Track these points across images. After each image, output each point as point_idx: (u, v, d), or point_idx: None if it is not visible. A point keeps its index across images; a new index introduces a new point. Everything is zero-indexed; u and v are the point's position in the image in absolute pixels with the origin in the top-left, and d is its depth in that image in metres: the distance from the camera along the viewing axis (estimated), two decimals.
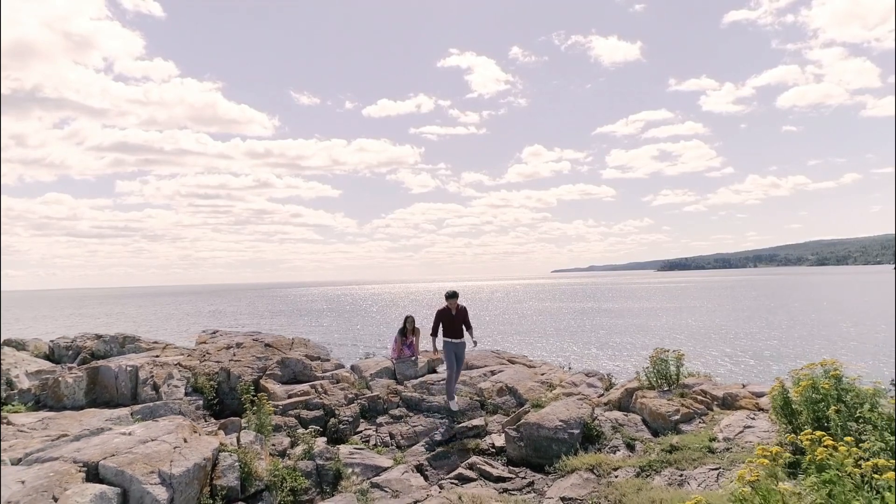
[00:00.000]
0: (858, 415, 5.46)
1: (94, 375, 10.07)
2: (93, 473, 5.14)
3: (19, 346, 14.77)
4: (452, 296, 9.65)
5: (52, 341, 14.91)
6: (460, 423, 8.66)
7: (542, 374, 10.46)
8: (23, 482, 4.86)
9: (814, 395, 5.82)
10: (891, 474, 3.09)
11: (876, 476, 3.21)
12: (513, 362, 11.19)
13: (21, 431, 7.44)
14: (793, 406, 6.06)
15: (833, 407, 5.56)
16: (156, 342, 14.13)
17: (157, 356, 12.01)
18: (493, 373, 10.53)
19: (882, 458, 5.01)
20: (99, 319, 73.17)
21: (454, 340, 9.49)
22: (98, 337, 14.47)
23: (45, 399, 10.11)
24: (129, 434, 5.83)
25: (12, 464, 5.89)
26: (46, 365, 12.83)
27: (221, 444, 5.87)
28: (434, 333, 9.79)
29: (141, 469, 5.13)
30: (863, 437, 5.19)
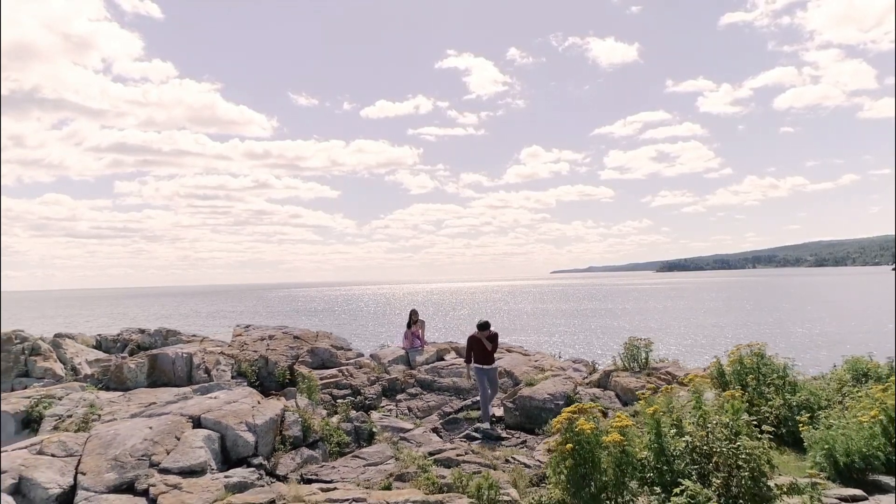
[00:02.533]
0: (769, 381, 7.25)
1: (154, 361, 11.81)
2: (196, 423, 6.90)
3: (70, 338, 16.49)
4: (483, 327, 9.68)
5: (98, 335, 16.67)
6: (467, 399, 10.43)
7: (536, 361, 12.23)
8: (150, 427, 6.63)
9: (739, 368, 7.60)
10: (728, 393, 4.87)
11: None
12: (510, 351, 12.97)
13: (112, 402, 9.20)
14: (725, 377, 7.83)
15: (751, 376, 7.34)
16: (194, 335, 15.88)
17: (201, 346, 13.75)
18: None
19: (782, 411, 6.83)
20: (101, 320, 74.62)
21: (485, 366, 9.62)
22: (142, 331, 16.23)
23: (108, 382, 11.85)
24: (216, 398, 7.60)
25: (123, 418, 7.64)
26: (102, 354, 14.60)
27: (285, 405, 7.64)
28: (468, 360, 9.85)
29: (232, 420, 6.90)
30: (768, 397, 6.99)
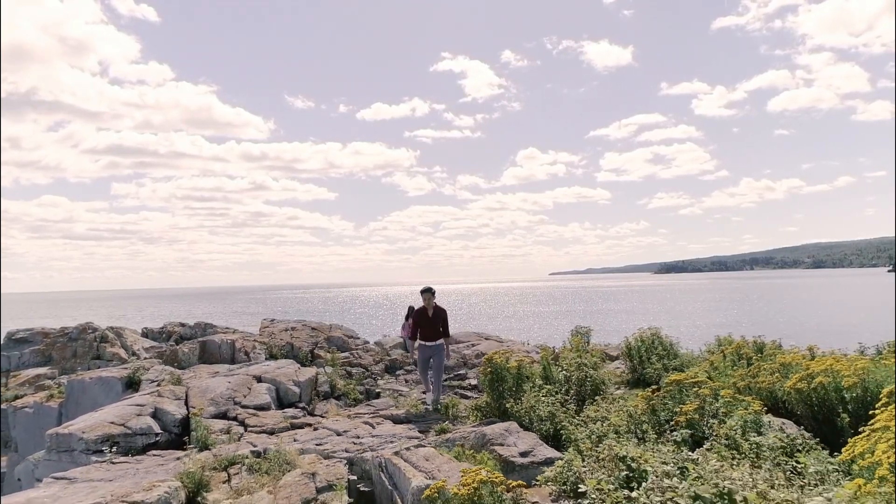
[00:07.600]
0: (657, 353, 10.34)
1: (204, 346, 14.92)
2: (259, 380, 9.99)
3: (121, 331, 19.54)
4: (426, 291, 8.81)
5: (144, 328, 19.79)
6: (450, 374, 13.52)
7: (507, 346, 15.33)
8: (229, 382, 9.72)
9: (639, 345, 10.69)
10: (592, 349, 7.95)
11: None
12: (487, 339, 16.09)
13: (184, 372, 12.28)
14: (631, 350, 10.91)
15: (644, 348, 10.44)
16: (227, 328, 18.97)
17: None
18: (473, 345, 15.42)
19: (660, 371, 9.91)
20: (105, 321, 76.90)
21: (428, 343, 8.82)
22: (182, 325, 19.35)
23: (165, 363, 14.91)
24: (268, 365, 10.70)
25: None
26: (153, 343, 17.71)
27: (317, 371, 10.74)
28: (412, 336, 9.09)
29: (283, 378, 9.99)
30: (653, 362, 10.09)
